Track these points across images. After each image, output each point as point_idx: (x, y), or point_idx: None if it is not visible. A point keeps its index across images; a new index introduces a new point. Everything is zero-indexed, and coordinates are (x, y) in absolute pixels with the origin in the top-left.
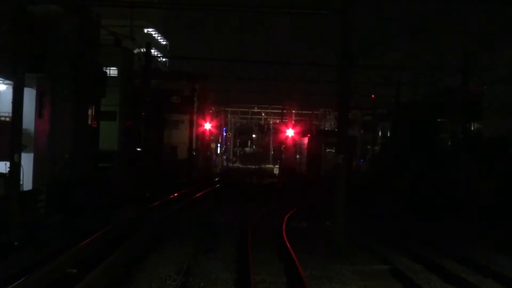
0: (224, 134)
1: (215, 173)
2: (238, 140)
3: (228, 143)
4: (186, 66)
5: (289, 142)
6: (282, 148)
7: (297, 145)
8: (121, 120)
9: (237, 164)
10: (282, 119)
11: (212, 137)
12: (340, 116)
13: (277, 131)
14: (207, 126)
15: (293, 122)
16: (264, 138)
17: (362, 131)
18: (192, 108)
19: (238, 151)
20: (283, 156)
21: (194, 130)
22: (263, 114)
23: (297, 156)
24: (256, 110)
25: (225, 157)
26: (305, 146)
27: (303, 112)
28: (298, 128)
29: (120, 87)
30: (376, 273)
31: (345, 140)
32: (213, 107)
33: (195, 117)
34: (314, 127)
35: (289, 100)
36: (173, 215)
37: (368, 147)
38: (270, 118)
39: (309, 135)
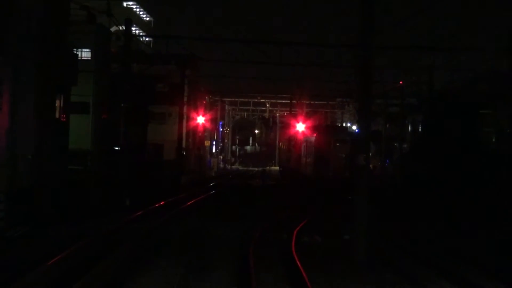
0: (221, 129)
1: (209, 176)
2: (237, 137)
3: (226, 140)
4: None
5: (300, 138)
6: (282, 146)
7: (302, 143)
8: (95, 113)
9: (237, 166)
10: (290, 111)
11: (206, 133)
12: (360, 107)
13: (285, 125)
14: (200, 120)
15: (304, 114)
16: (269, 134)
17: (387, 125)
18: (181, 98)
19: (237, 150)
20: (290, 155)
21: (184, 124)
22: (267, 105)
23: (302, 155)
24: (259, 100)
25: (221, 157)
26: (312, 143)
27: (316, 102)
28: (311, 122)
29: (94, 73)
30: None
31: (367, 136)
32: (207, 97)
33: (185, 109)
34: (329, 120)
35: (299, 88)
36: (159, 228)
37: (395, 144)
38: (276, 110)
39: (315, 131)
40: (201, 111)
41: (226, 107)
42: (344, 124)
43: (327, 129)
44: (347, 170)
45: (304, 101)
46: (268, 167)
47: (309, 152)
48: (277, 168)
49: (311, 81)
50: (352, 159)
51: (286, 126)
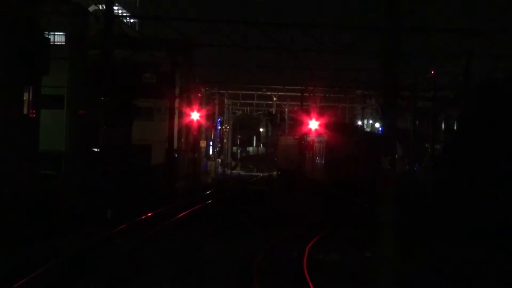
0: (219, 127)
1: (206, 183)
2: (238, 137)
3: (225, 141)
4: (164, 30)
5: (312, 137)
6: (281, 145)
7: (313, 143)
8: (71, 108)
9: (238, 171)
10: (301, 105)
11: (201, 132)
12: (385, 101)
13: (295, 122)
14: (195, 116)
15: (317, 109)
16: (276, 133)
17: (417, 123)
18: (172, 90)
19: (238, 151)
20: (294, 156)
21: (175, 122)
22: (274, 99)
23: (311, 157)
24: (264, 93)
25: (219, 160)
26: (324, 144)
27: (332, 96)
28: (325, 119)
29: (69, 60)
30: None
31: (392, 136)
32: (203, 89)
33: (177, 103)
34: (348, 116)
35: (312, 78)
36: (145, 245)
37: (426, 145)
38: (284, 105)
39: (328, 129)
40: (195, 105)
41: (226, 101)
42: (365, 121)
43: (339, 128)
44: (367, 175)
45: (318, 94)
46: (275, 172)
47: (319, 154)
48: None
49: (326, 70)
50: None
51: (296, 123)
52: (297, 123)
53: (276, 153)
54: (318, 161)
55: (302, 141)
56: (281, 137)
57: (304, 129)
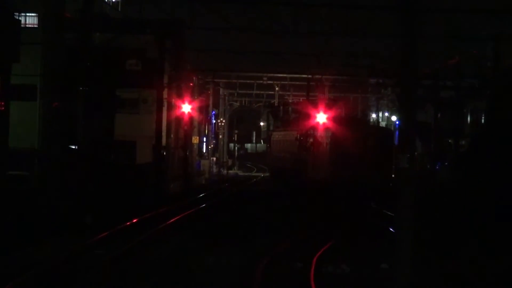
0: (214, 121)
1: (199, 185)
2: (236, 132)
3: (220, 136)
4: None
5: (320, 133)
6: (274, 140)
7: (310, 139)
8: (44, 99)
9: (235, 171)
10: (307, 96)
11: (194, 127)
12: (402, 91)
13: (300, 115)
14: (186, 108)
15: (325, 100)
16: (279, 128)
17: (439, 115)
18: (160, 79)
19: (236, 149)
20: (273, 154)
21: (164, 115)
22: (276, 89)
23: (317, 154)
24: (265, 82)
25: (214, 159)
26: (330, 140)
27: (342, 85)
28: (334, 111)
29: (42, 45)
30: None
31: (411, 130)
32: (195, 78)
33: (165, 93)
34: (360, 108)
35: (320, 66)
36: (130, 257)
37: (450, 141)
38: (288, 95)
39: (335, 123)
40: (187, 96)
41: (221, 91)
42: (380, 114)
43: (348, 122)
44: (378, 174)
45: (327, 83)
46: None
47: (321, 151)
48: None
49: (336, 56)
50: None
51: (299, 116)
52: (300, 116)
53: (268, 150)
54: (328, 159)
55: (308, 137)
56: (275, 132)
57: (310, 123)
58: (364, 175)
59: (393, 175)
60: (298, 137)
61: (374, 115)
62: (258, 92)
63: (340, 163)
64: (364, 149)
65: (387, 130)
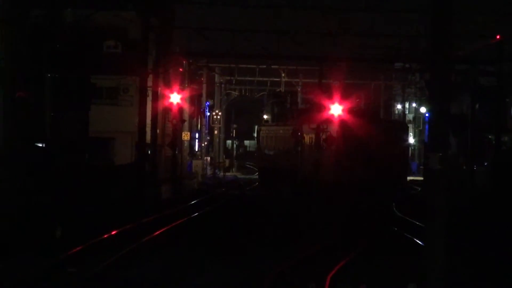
0: (207, 114)
1: (190, 190)
2: (234, 126)
3: (216, 132)
4: None
5: (335, 127)
6: (264, 135)
7: (323, 134)
8: (7, 88)
9: (233, 173)
10: (319, 83)
11: (184, 121)
12: (433, 77)
13: (312, 107)
14: (175, 98)
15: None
16: (287, 121)
17: (477, 106)
18: (144, 64)
19: (234, 146)
20: (264, 152)
21: (148, 106)
22: (283, 75)
23: (330, 152)
24: (269, 67)
25: (208, 158)
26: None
27: (362, 70)
28: (350, 103)
29: (4, 24)
30: None
31: (443, 124)
32: (185, 62)
33: (150, 81)
34: (384, 97)
35: (334, 48)
36: (108, 276)
37: (490, 137)
38: (297, 82)
39: (347, 116)
40: (176, 84)
41: (217, 77)
42: (407, 104)
43: (357, 116)
44: (392, 175)
45: (343, 68)
46: None
47: (336, 148)
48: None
49: (354, 36)
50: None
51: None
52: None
53: (258, 149)
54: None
55: (321, 132)
56: (265, 127)
57: (323, 116)
58: (375, 176)
59: (406, 176)
60: (314, 132)
61: (399, 106)
62: (261, 79)
63: (348, 163)
64: (376, 146)
65: (401, 124)
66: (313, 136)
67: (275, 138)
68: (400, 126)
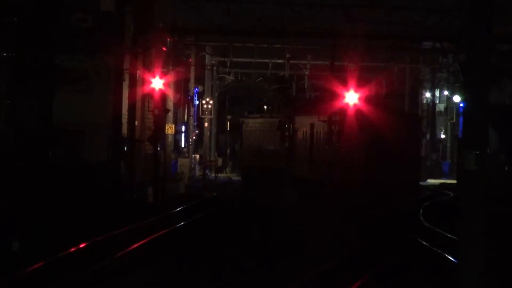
0: (196, 102)
1: (175, 194)
2: (228, 117)
3: (206, 125)
4: None
5: (350, 119)
6: (247, 130)
7: (335, 127)
8: None
9: (227, 174)
10: (331, 66)
11: (168, 111)
12: (469, 59)
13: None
14: (157, 83)
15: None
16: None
17: None
18: (120, 42)
19: (228, 142)
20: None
21: (125, 93)
22: (287, 55)
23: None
24: (271, 47)
25: (197, 156)
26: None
27: (382, 50)
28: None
29: None
30: None
31: (482, 116)
32: (170, 40)
33: (128, 62)
34: (408, 84)
35: (348, 23)
36: None
37: None
38: (304, 65)
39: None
40: (158, 67)
41: (208, 58)
42: (437, 93)
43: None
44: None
45: (359, 48)
46: None
47: (351, 145)
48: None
49: (372, 11)
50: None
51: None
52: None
53: (241, 146)
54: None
55: (333, 124)
56: (248, 119)
57: (345, 106)
58: (391, 179)
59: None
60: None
61: (428, 94)
62: (261, 60)
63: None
64: (389, 143)
65: (413, 117)
66: (318, 129)
67: (262, 132)
68: (413, 118)
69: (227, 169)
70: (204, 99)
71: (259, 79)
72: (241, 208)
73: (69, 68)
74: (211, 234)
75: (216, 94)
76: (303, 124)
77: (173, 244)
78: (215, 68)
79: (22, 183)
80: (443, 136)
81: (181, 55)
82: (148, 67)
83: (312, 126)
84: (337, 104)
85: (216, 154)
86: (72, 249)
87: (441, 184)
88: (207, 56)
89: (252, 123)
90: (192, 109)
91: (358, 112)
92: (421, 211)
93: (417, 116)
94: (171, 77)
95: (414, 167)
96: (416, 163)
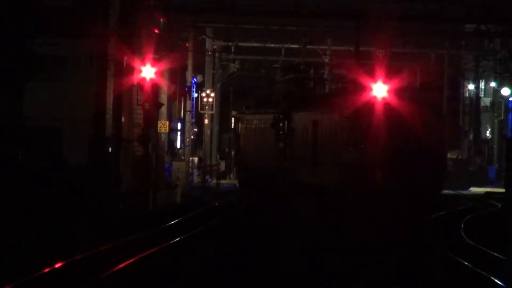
0: (195, 95)
1: (169, 205)
2: (233, 113)
3: (206, 121)
4: None
5: (379, 115)
6: (241, 127)
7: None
8: None
9: (231, 180)
10: (356, 51)
11: (161, 105)
12: None
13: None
14: (147, 72)
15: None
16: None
17: None
18: (104, 23)
19: (232, 143)
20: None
21: (110, 84)
22: (304, 40)
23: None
24: (283, 29)
25: (195, 159)
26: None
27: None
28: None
29: None
30: None
31: None
32: (163, 20)
33: (112, 47)
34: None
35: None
36: None
37: None
38: (324, 52)
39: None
40: (149, 53)
41: (208, 43)
42: (482, 84)
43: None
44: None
45: (389, 31)
46: None
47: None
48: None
49: None
50: None
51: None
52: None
53: (237, 146)
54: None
55: (358, 121)
56: (245, 115)
57: (372, 100)
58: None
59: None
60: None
61: (471, 86)
62: (272, 45)
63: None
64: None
65: (436, 107)
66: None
67: (260, 130)
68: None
69: (231, 175)
70: (204, 91)
71: (269, 68)
72: (251, 222)
73: (43, 54)
74: (214, 257)
75: (218, 85)
76: (305, 121)
77: (165, 267)
78: (217, 54)
79: None
80: (489, 135)
81: (177, 39)
82: (138, 53)
83: (316, 123)
84: (362, 99)
85: (218, 156)
86: (46, 270)
87: (487, 193)
88: (207, 40)
89: (249, 120)
90: (189, 103)
91: (388, 107)
92: (462, 225)
93: (438, 108)
94: (164, 65)
95: (438, 166)
96: (438, 167)
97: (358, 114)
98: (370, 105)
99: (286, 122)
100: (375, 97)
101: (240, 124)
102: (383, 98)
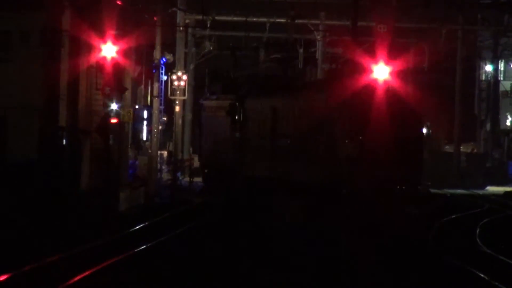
0: (164, 78)
1: (134, 206)
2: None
3: (177, 109)
4: None
5: (380, 105)
6: (209, 115)
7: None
8: None
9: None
10: (353, 26)
11: (124, 90)
12: None
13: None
14: (109, 51)
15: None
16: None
17: None
18: None
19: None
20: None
21: (64, 65)
22: (291, 13)
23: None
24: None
25: (165, 153)
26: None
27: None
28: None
29: None
30: None
31: None
32: None
33: (67, 21)
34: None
35: None
36: None
37: None
38: (315, 24)
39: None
40: (110, 29)
41: (180, 16)
42: (501, 65)
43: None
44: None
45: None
46: None
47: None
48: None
49: None
50: None
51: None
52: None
53: (200, 136)
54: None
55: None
56: (209, 101)
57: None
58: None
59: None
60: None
61: (488, 68)
62: (255, 19)
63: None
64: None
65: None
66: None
67: (224, 119)
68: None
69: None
70: (175, 73)
71: (252, 46)
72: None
73: None
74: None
75: (192, 67)
76: (262, 108)
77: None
78: (190, 30)
79: None
80: (509, 125)
81: (143, 12)
82: (97, 29)
83: (275, 111)
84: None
85: (191, 150)
86: None
87: (506, 193)
88: (179, 13)
89: (210, 108)
90: (157, 87)
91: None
92: (477, 230)
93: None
94: (129, 43)
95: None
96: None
97: (352, 100)
98: (368, 90)
99: (241, 110)
100: (375, 80)
101: (202, 113)
102: (387, 83)
